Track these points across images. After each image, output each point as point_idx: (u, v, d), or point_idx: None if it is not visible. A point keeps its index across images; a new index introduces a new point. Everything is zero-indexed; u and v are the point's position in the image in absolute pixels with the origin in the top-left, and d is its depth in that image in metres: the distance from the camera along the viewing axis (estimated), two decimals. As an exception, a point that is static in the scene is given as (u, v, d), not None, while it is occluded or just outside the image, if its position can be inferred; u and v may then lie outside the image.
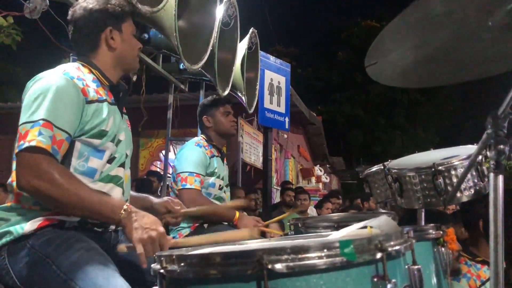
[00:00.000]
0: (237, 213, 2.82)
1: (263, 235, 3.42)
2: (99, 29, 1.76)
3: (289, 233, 2.31)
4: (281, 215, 3.06)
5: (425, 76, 1.48)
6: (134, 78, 4.34)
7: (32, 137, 1.46)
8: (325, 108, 24.66)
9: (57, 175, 1.45)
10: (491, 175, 1.24)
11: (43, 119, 1.49)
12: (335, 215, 2.26)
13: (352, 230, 1.17)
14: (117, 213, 1.48)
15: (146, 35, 3.67)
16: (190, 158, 2.88)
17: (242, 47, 4.21)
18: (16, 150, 1.47)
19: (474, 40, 1.29)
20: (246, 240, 2.15)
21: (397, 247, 0.90)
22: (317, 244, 0.80)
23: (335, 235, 1.19)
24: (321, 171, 15.64)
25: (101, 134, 1.65)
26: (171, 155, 8.23)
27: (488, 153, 1.26)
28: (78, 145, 1.61)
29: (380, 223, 1.06)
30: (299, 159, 14.08)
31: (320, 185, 14.70)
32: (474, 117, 22.56)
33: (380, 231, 1.02)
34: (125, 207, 1.49)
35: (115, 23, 1.78)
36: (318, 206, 7.50)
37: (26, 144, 1.45)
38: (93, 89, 1.67)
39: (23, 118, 1.52)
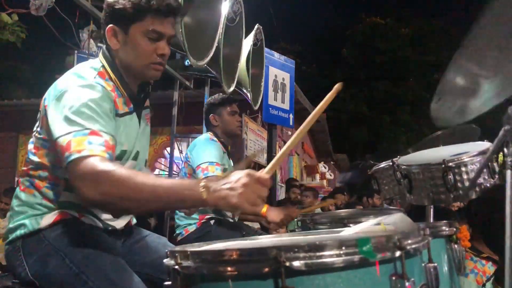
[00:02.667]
0: (265, 208, 2.79)
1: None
2: (105, 25, 1.57)
3: (296, 229, 2.30)
4: (321, 203, 3.02)
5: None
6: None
7: (82, 146, 1.31)
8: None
9: (118, 174, 1.27)
10: (508, 172, 1.23)
11: (88, 128, 1.35)
12: (343, 211, 2.24)
13: (365, 227, 1.16)
14: (198, 192, 1.23)
15: (151, 31, 3.65)
16: (208, 150, 2.88)
17: (247, 43, 4.19)
18: (65, 164, 1.32)
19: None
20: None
21: (415, 245, 0.88)
22: (335, 241, 0.79)
23: (348, 232, 1.18)
24: (325, 168, 15.61)
25: (121, 155, 1.55)
26: (176, 152, 8.24)
27: (505, 149, 1.24)
28: None
29: (395, 220, 1.04)
30: (303, 156, 14.05)
31: (325, 182, 14.67)
32: (480, 114, 22.39)
33: (395, 229, 1.00)
34: (202, 183, 1.24)
35: (120, 21, 1.54)
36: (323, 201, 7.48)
37: (76, 155, 1.29)
38: (120, 102, 1.54)
39: (58, 131, 1.37)
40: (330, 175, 16.29)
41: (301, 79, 13.46)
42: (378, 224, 1.13)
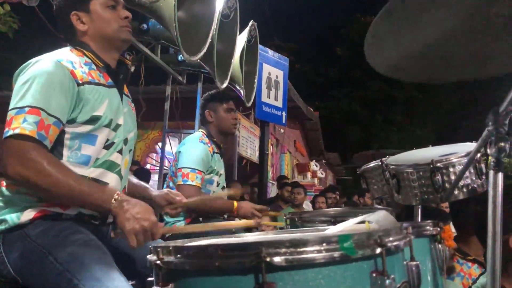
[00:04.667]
0: (235, 203, 2.81)
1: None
2: (67, 16, 1.72)
3: (285, 227, 2.31)
4: (277, 211, 3.06)
5: (421, 71, 1.45)
6: (132, 68, 4.31)
7: (17, 124, 1.43)
8: (323, 103, 24.64)
9: (45, 164, 1.42)
10: (491, 172, 1.23)
11: (29, 106, 1.46)
12: (332, 210, 2.25)
13: (349, 225, 1.17)
14: (108, 202, 1.44)
15: (145, 26, 3.64)
16: (193, 154, 2.86)
17: (241, 39, 4.19)
18: (3, 138, 1.45)
19: (474, 37, 1.28)
20: (235, 227, 2.14)
21: (396, 243, 0.89)
22: (316, 238, 0.80)
23: (333, 229, 1.19)
24: (316, 166, 15.66)
25: (93, 120, 1.60)
26: (167, 148, 8.22)
27: (488, 150, 1.25)
28: (68, 135, 1.57)
29: (378, 218, 1.05)
30: (295, 154, 14.09)
31: (316, 180, 14.72)
32: (470, 116, 22.60)
33: (379, 226, 1.01)
34: (116, 196, 1.45)
35: (78, 6, 1.71)
36: (313, 201, 7.51)
37: (11, 132, 1.43)
38: (85, 71, 1.62)
39: (11, 104, 1.50)
40: (322, 174, 16.36)
41: (295, 77, 13.48)
42: (362, 222, 1.14)
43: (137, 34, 3.59)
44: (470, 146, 2.03)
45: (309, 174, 14.66)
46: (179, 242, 1.08)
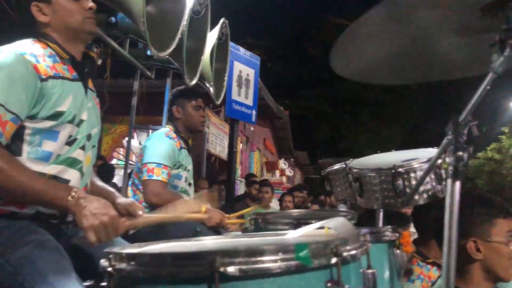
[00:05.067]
0: (203, 209, 2.76)
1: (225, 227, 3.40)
2: (27, 7, 1.65)
3: (249, 227, 2.30)
4: (244, 209, 3.05)
5: (389, 73, 1.48)
6: (99, 61, 4.22)
7: None
8: (294, 103, 24.81)
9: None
10: (449, 181, 1.26)
11: None
12: (296, 212, 2.26)
13: (309, 230, 1.17)
14: (65, 199, 1.40)
15: (113, 19, 3.55)
16: (159, 149, 2.80)
17: (212, 37, 4.16)
18: None
19: (439, 42, 1.30)
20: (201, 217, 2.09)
21: (353, 252, 0.89)
22: (272, 247, 0.79)
23: (292, 235, 1.18)
24: (285, 164, 15.77)
25: (56, 115, 1.54)
26: (135, 143, 8.08)
27: (447, 159, 1.28)
28: (28, 130, 1.51)
29: (337, 225, 1.05)
30: (264, 152, 14.13)
31: (284, 179, 14.82)
32: (436, 118, 23.19)
33: (337, 234, 1.01)
34: (73, 193, 1.41)
35: None
36: (281, 200, 7.55)
37: None
38: (48, 64, 1.56)
39: None
40: (290, 172, 16.48)
41: (267, 75, 13.52)
42: (322, 227, 1.14)
43: (105, 27, 3.50)
44: (432, 152, 2.07)
45: (277, 172, 14.75)
46: (135, 247, 1.05)
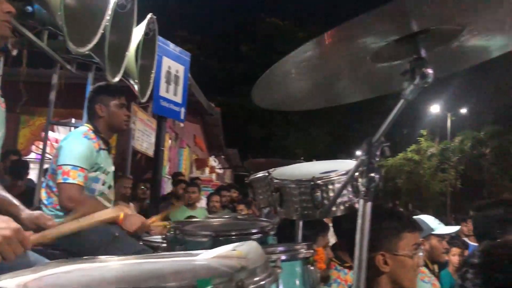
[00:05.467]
0: (122, 215, 2.63)
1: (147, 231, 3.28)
2: None
3: (167, 235, 2.22)
4: (166, 211, 2.96)
5: (312, 99, 1.52)
6: (14, 52, 3.92)
7: None
8: (226, 100, 24.81)
9: None
10: (361, 201, 1.28)
11: None
12: (216, 221, 2.22)
13: (222, 252, 1.14)
14: None
15: (29, 8, 3.29)
16: (75, 150, 2.64)
17: (138, 32, 4.00)
18: None
19: (360, 67, 1.33)
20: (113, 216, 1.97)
21: (261, 283, 0.87)
22: (173, 284, 0.74)
23: (205, 256, 1.15)
24: (215, 162, 15.71)
25: None
26: (56, 136, 7.62)
27: (359, 179, 1.30)
28: None
29: (248, 251, 1.03)
30: (194, 148, 13.97)
31: (214, 176, 14.76)
32: (363, 119, 24.21)
33: (246, 261, 0.98)
34: None
35: None
36: (208, 199, 7.48)
37: None
38: None
39: None
40: (220, 170, 16.45)
41: (199, 70, 13.34)
42: (234, 250, 1.12)
43: (21, 16, 3.24)
44: (351, 163, 2.12)
45: (207, 170, 14.65)
46: (25, 273, 0.96)
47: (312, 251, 1.44)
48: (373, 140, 1.28)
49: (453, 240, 4.53)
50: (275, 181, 2.03)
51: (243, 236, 1.78)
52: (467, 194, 27.05)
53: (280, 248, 1.28)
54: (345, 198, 1.96)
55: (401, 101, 1.15)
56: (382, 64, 1.23)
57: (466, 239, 5.42)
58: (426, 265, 3.42)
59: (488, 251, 1.12)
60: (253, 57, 26.58)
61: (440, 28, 1.08)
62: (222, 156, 17.94)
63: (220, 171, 16.74)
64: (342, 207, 1.96)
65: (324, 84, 1.44)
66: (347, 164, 2.12)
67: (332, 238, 2.90)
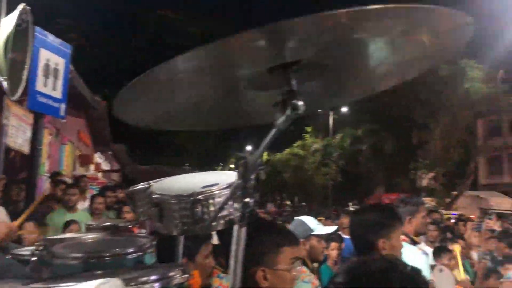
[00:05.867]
0: None
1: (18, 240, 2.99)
2: None
3: (35, 252, 2.03)
4: (30, 208, 2.71)
5: (193, 119, 1.48)
6: None
7: None
8: (114, 93, 23.70)
9: None
10: (236, 227, 1.28)
11: None
12: (90, 238, 2.07)
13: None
14: None
15: None
16: None
17: (7, 23, 3.62)
18: None
19: (240, 93, 1.32)
20: None
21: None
22: None
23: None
24: (101, 158, 14.95)
25: None
26: None
27: (235, 204, 1.29)
28: None
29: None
30: (78, 144, 13.14)
31: (99, 174, 14.04)
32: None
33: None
34: None
35: None
36: (92, 201, 7.06)
37: None
38: None
39: None
40: (107, 166, 15.70)
41: (83, 60, 12.56)
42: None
43: None
44: (232, 176, 2.12)
45: (92, 167, 13.87)
46: None
47: (187, 275, 1.40)
48: (249, 163, 1.28)
49: (331, 235, 4.81)
50: (155, 196, 1.96)
51: (117, 257, 1.69)
52: (346, 186, 29.20)
53: (153, 277, 1.23)
54: (225, 212, 1.96)
55: (274, 130, 1.16)
56: (257, 93, 1.23)
57: (341, 232, 5.74)
58: (305, 264, 3.58)
59: (349, 271, 1.19)
60: (143, 48, 25.78)
61: (312, 62, 1.10)
62: (109, 152, 17.12)
63: (107, 168, 15.98)
64: (222, 221, 1.95)
65: (204, 104, 1.40)
66: (229, 176, 2.12)
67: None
